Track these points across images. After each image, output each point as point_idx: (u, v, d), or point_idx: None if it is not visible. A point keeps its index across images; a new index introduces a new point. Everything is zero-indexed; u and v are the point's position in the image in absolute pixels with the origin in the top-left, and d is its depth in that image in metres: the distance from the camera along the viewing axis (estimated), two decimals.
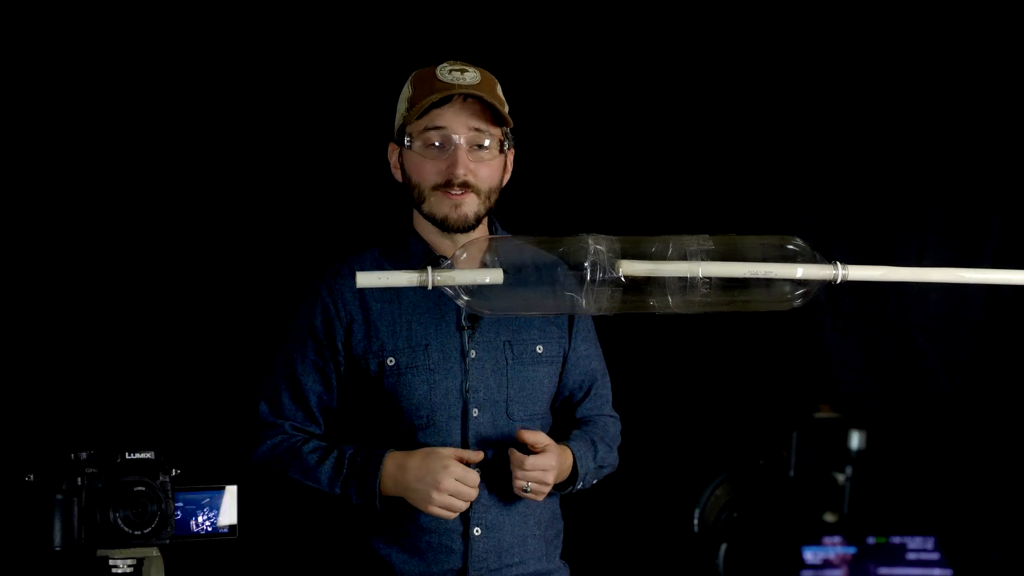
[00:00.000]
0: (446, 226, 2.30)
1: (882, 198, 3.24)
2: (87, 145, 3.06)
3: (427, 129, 2.28)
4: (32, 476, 1.94)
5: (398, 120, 2.37)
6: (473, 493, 2.24)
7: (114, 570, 1.92)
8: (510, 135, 2.32)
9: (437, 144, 2.27)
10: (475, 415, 2.34)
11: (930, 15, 3.23)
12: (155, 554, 1.94)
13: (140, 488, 1.92)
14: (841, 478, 1.02)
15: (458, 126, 2.27)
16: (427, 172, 2.29)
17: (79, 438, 2.25)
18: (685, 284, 2.29)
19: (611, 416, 2.56)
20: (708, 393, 3.23)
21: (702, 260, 2.35)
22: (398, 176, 2.39)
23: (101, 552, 1.92)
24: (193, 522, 2.01)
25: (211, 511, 2.02)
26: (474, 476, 2.24)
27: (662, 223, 2.51)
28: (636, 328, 3.08)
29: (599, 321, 2.57)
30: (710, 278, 2.30)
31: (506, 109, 2.31)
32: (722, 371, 3.24)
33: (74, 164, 3.06)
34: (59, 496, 1.91)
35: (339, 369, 2.37)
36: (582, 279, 2.25)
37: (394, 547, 2.39)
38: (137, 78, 3.08)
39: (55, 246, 3.05)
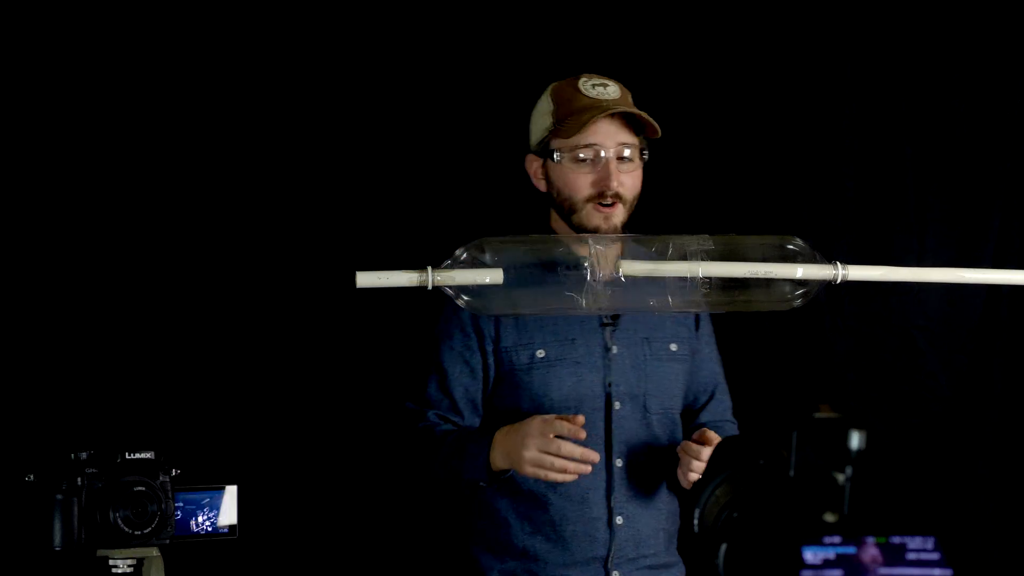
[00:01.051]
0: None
1: (882, 198, 3.24)
2: (87, 145, 3.06)
3: (579, 145, 2.37)
4: (32, 476, 1.95)
5: (540, 134, 2.45)
6: (567, 450, 2.24)
7: (114, 570, 1.92)
8: (645, 143, 2.41)
9: (588, 158, 2.37)
10: (617, 408, 2.41)
11: (930, 15, 3.23)
12: (155, 554, 1.94)
13: (140, 488, 1.92)
14: (841, 478, 1.02)
15: (608, 141, 2.36)
16: (579, 185, 2.38)
17: (79, 438, 2.25)
18: (685, 284, 2.30)
19: (731, 422, 2.60)
20: None
21: (702, 260, 2.35)
22: (541, 187, 2.47)
23: (101, 552, 1.92)
24: (193, 522, 2.01)
25: (211, 511, 2.02)
26: (559, 425, 2.24)
27: (662, 223, 2.51)
28: None
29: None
30: (710, 278, 2.30)
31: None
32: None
33: (74, 164, 3.06)
34: (59, 496, 1.91)
35: (486, 360, 2.44)
36: (582, 279, 2.26)
37: (538, 536, 2.42)
38: (137, 78, 3.08)
39: (55, 246, 3.05)
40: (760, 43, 3.24)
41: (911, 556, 0.99)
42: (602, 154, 2.37)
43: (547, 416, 2.28)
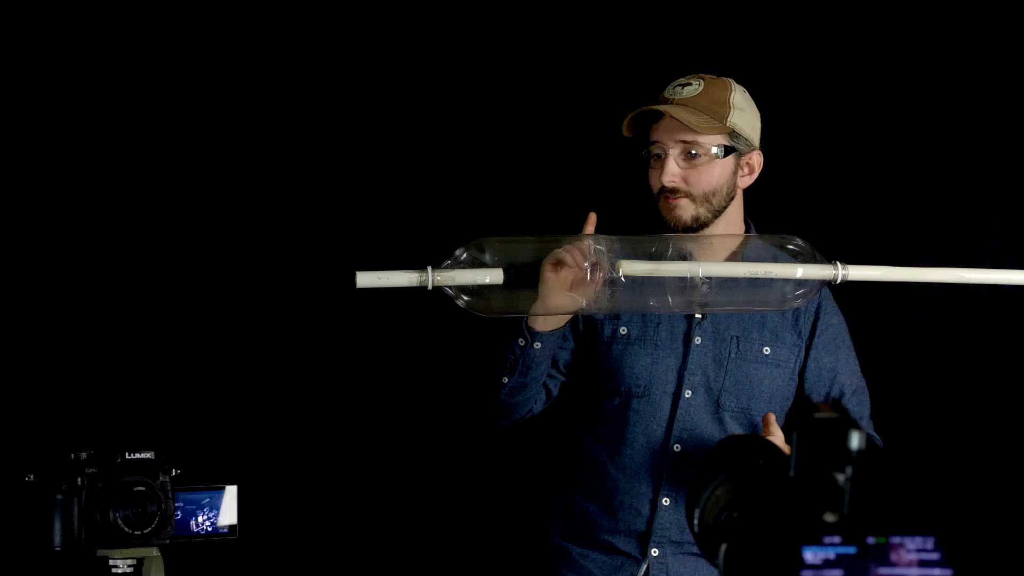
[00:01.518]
0: (670, 228, 2.48)
1: (882, 198, 3.24)
2: (87, 145, 3.06)
3: (648, 143, 2.50)
4: (32, 476, 1.94)
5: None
6: (583, 244, 2.31)
7: (114, 570, 1.92)
8: (738, 138, 2.48)
9: (656, 155, 2.48)
10: (687, 396, 2.49)
11: (930, 15, 3.23)
12: (155, 554, 1.94)
13: (140, 488, 1.92)
14: (841, 478, 1.02)
15: (667, 139, 2.46)
16: (652, 181, 2.50)
17: (79, 438, 2.24)
18: (685, 284, 2.30)
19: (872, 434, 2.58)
20: None
21: (702, 260, 2.35)
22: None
23: (101, 552, 1.92)
24: (193, 522, 2.01)
25: (211, 511, 2.02)
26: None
27: (662, 223, 2.51)
28: None
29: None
30: (710, 278, 2.30)
31: (729, 116, 2.46)
32: None
33: (74, 164, 3.06)
34: (59, 496, 1.91)
35: (577, 326, 2.56)
36: (582, 279, 2.26)
37: (592, 501, 2.53)
38: (137, 78, 3.08)
39: (55, 246, 3.05)
40: (760, 43, 3.24)
41: (911, 556, 0.99)
42: (664, 150, 2.47)
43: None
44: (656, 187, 2.48)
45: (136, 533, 1.91)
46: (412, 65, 3.22)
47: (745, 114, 2.50)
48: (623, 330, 2.52)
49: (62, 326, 3.04)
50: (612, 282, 2.26)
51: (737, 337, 2.51)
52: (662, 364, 2.50)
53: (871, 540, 0.99)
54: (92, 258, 3.06)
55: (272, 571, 3.15)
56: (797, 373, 2.54)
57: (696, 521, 1.16)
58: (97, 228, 3.07)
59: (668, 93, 2.48)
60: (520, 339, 2.44)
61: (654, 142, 2.47)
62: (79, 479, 1.91)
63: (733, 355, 2.50)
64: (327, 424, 3.18)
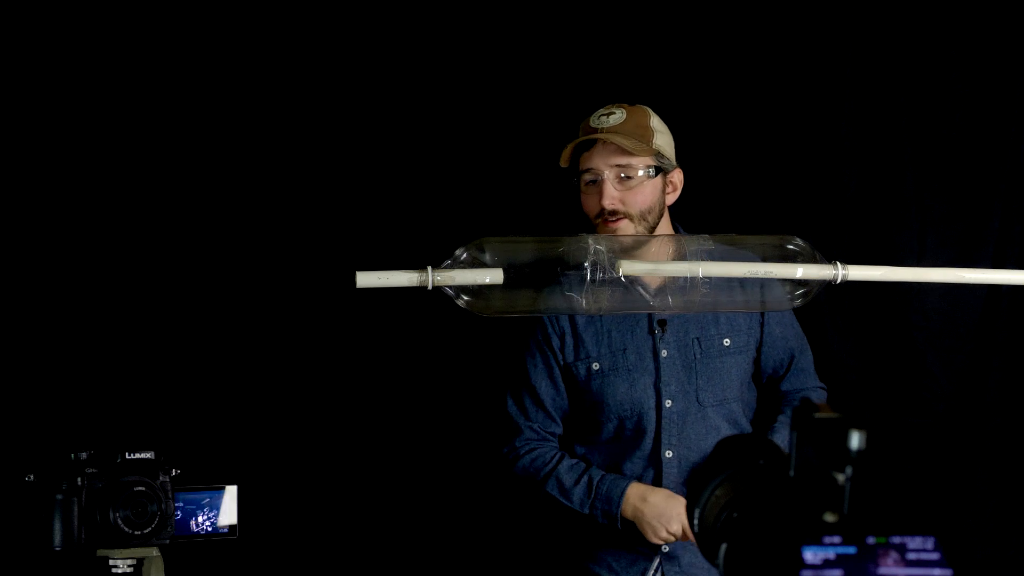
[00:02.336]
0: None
1: (882, 198, 3.24)
2: (87, 145, 3.06)
3: (582, 171, 2.64)
4: (32, 476, 1.94)
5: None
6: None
7: (114, 570, 1.92)
8: (663, 159, 2.66)
9: (591, 181, 2.63)
10: (668, 405, 2.67)
11: (930, 15, 3.23)
12: (155, 554, 1.94)
13: (140, 488, 1.92)
14: (841, 478, 1.01)
15: (601, 165, 2.61)
16: (589, 206, 2.65)
17: (79, 438, 2.25)
18: (685, 284, 2.30)
19: (816, 388, 2.81)
20: None
21: (702, 260, 2.35)
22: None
23: (101, 552, 1.92)
24: (193, 522, 2.01)
25: (211, 511, 2.02)
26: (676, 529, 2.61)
27: None
28: None
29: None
30: (710, 278, 2.30)
31: (652, 139, 2.62)
32: None
33: (74, 164, 3.06)
34: (59, 496, 1.91)
35: (555, 375, 2.74)
36: (582, 279, 2.26)
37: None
38: (137, 78, 3.08)
39: (55, 246, 3.05)
40: (760, 44, 3.24)
41: (911, 556, 0.99)
42: (599, 176, 2.62)
43: (681, 505, 2.60)
44: (594, 211, 2.62)
45: (136, 533, 1.91)
46: (412, 65, 3.22)
47: (664, 136, 2.68)
48: (595, 366, 2.70)
49: (62, 326, 3.04)
50: (612, 282, 2.26)
51: (698, 338, 2.69)
52: (639, 384, 2.68)
53: (871, 540, 0.99)
54: (92, 258, 3.06)
55: (272, 571, 3.15)
56: (756, 347, 2.74)
57: (696, 521, 1.16)
58: (97, 228, 3.07)
59: (594, 123, 2.64)
60: (603, 522, 2.67)
61: (587, 169, 2.62)
62: (79, 479, 1.91)
63: (699, 356, 2.69)
64: (327, 424, 3.18)
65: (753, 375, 2.77)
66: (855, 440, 1.02)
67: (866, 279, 2.40)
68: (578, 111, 3.24)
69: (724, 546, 1.09)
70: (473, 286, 2.22)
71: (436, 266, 2.18)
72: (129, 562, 1.92)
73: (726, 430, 2.69)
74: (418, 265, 2.19)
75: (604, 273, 2.26)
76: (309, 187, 3.18)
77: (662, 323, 2.69)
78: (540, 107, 3.22)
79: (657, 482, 2.67)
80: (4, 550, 1.98)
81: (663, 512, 2.61)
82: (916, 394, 3.22)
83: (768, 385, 2.80)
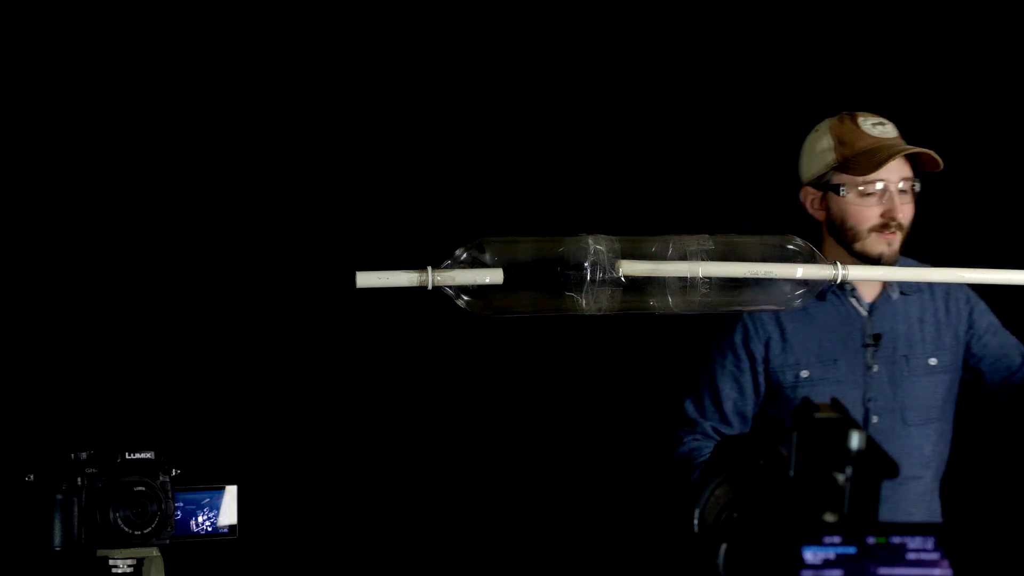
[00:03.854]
0: (879, 262, 2.56)
1: None
2: (87, 145, 3.06)
3: (869, 181, 2.55)
4: (32, 476, 1.94)
5: (821, 169, 2.64)
6: None
7: (114, 570, 1.92)
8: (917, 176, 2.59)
9: (874, 192, 2.55)
10: (875, 421, 2.60)
11: (930, 15, 3.23)
12: (155, 554, 1.94)
13: (140, 488, 1.92)
14: (841, 478, 1.01)
15: (895, 178, 2.56)
16: (865, 216, 2.56)
17: (79, 438, 2.24)
18: (685, 284, 2.29)
19: None
20: None
21: (702, 260, 2.35)
22: (819, 216, 2.66)
23: (101, 552, 1.92)
24: (193, 522, 2.01)
25: (211, 511, 2.02)
26: None
27: (662, 223, 2.51)
28: (636, 328, 3.08)
29: (599, 320, 2.57)
30: (710, 278, 2.30)
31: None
32: None
33: (74, 164, 3.06)
34: (59, 496, 1.91)
35: (757, 379, 2.67)
36: (582, 279, 2.26)
37: None
38: (137, 78, 3.08)
39: (55, 246, 3.04)
40: (761, 43, 3.24)
41: (911, 556, 0.99)
42: (890, 188, 2.55)
43: None
44: (870, 221, 2.56)
45: (136, 533, 1.91)
46: (412, 65, 3.22)
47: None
48: (804, 373, 2.63)
49: (62, 326, 3.04)
50: (612, 282, 2.25)
51: (906, 356, 2.63)
52: (847, 397, 2.58)
53: (871, 540, 0.99)
54: (92, 258, 3.06)
55: (272, 571, 3.15)
56: (961, 365, 2.67)
57: (696, 521, 1.16)
58: (97, 228, 3.07)
59: (877, 133, 2.59)
60: None
61: (880, 180, 2.55)
62: (79, 479, 1.91)
63: (906, 374, 2.62)
64: (327, 424, 3.18)
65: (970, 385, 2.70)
66: (855, 440, 1.02)
67: (866, 279, 2.41)
68: (578, 111, 3.24)
69: (724, 546, 1.09)
70: (473, 286, 2.21)
71: (436, 266, 2.18)
72: (129, 562, 1.92)
73: (928, 451, 2.65)
74: (418, 265, 2.19)
75: (604, 273, 2.25)
76: (309, 187, 3.17)
77: (876, 337, 2.62)
78: (540, 107, 3.22)
79: None
80: (4, 550, 1.98)
81: None
82: None
83: (1010, 385, 2.69)
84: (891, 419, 2.62)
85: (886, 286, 2.60)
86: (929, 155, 2.59)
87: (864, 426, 2.53)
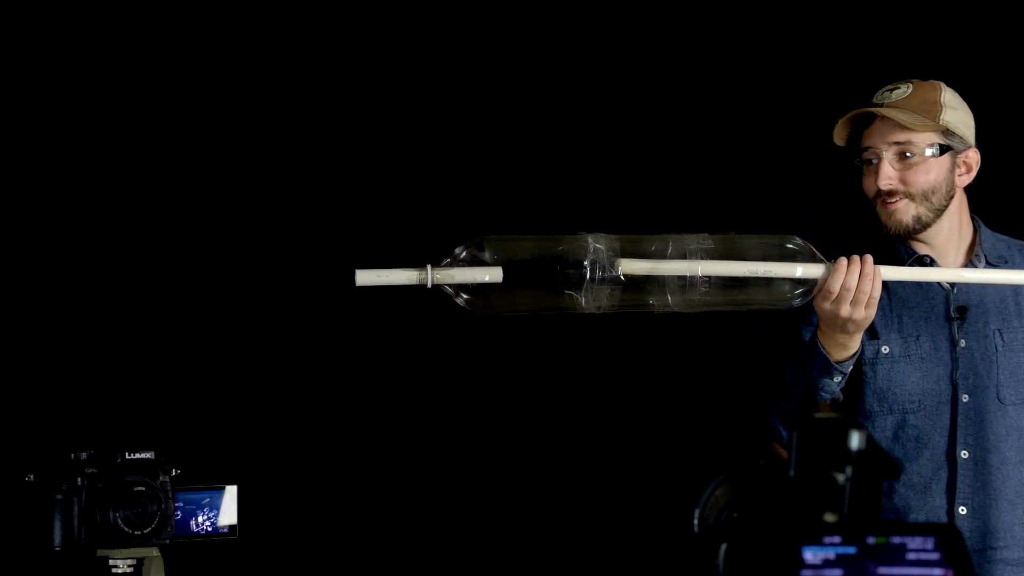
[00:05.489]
0: (888, 233, 2.45)
1: None
2: (87, 145, 3.06)
3: (861, 149, 2.45)
4: (32, 476, 1.94)
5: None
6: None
7: (114, 570, 1.92)
8: (952, 136, 2.43)
9: (869, 160, 2.44)
10: (965, 400, 2.45)
11: (930, 15, 3.23)
12: (155, 554, 1.94)
13: (140, 488, 1.92)
14: (841, 478, 1.01)
15: (880, 143, 2.42)
16: (867, 187, 2.46)
17: (79, 438, 2.25)
18: (685, 283, 2.29)
19: None
20: (708, 393, 3.23)
21: (702, 259, 2.35)
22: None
23: (101, 552, 1.92)
24: (193, 522, 2.01)
25: (211, 511, 2.02)
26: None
27: (662, 223, 2.51)
28: (636, 328, 3.08)
29: (598, 320, 2.57)
30: (709, 277, 2.30)
31: (940, 115, 2.41)
32: (722, 371, 3.24)
33: (74, 164, 3.06)
34: (59, 496, 1.91)
35: None
36: (582, 277, 2.26)
37: None
38: (137, 78, 3.08)
39: (55, 246, 3.05)
40: (761, 43, 3.24)
41: (911, 556, 0.99)
42: (877, 154, 2.42)
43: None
44: (871, 192, 2.44)
45: (136, 533, 1.91)
46: (412, 65, 3.22)
47: (958, 112, 2.47)
48: (885, 349, 2.48)
49: (62, 326, 3.04)
50: (612, 281, 2.25)
51: (999, 330, 2.49)
52: (932, 375, 2.47)
53: (871, 540, 0.99)
54: (92, 258, 3.06)
55: (272, 571, 3.15)
56: None
57: (696, 521, 1.16)
58: (97, 228, 3.07)
59: (878, 98, 2.46)
60: (836, 376, 2.40)
61: (866, 148, 2.44)
62: (79, 479, 1.91)
63: (1000, 348, 2.48)
64: (327, 424, 3.18)
65: None
66: (855, 440, 1.02)
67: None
68: (578, 111, 3.25)
69: (724, 546, 1.09)
70: (472, 284, 2.21)
71: (435, 264, 2.19)
72: (129, 562, 1.92)
73: None
74: (417, 263, 2.19)
75: (604, 272, 2.25)
76: (308, 186, 3.17)
77: (961, 310, 2.47)
78: (540, 106, 3.22)
79: (951, 486, 2.45)
80: (4, 550, 1.98)
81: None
82: None
83: None
84: (984, 398, 2.46)
85: (972, 256, 2.46)
86: (894, 120, 2.41)
87: (953, 406, 2.45)
